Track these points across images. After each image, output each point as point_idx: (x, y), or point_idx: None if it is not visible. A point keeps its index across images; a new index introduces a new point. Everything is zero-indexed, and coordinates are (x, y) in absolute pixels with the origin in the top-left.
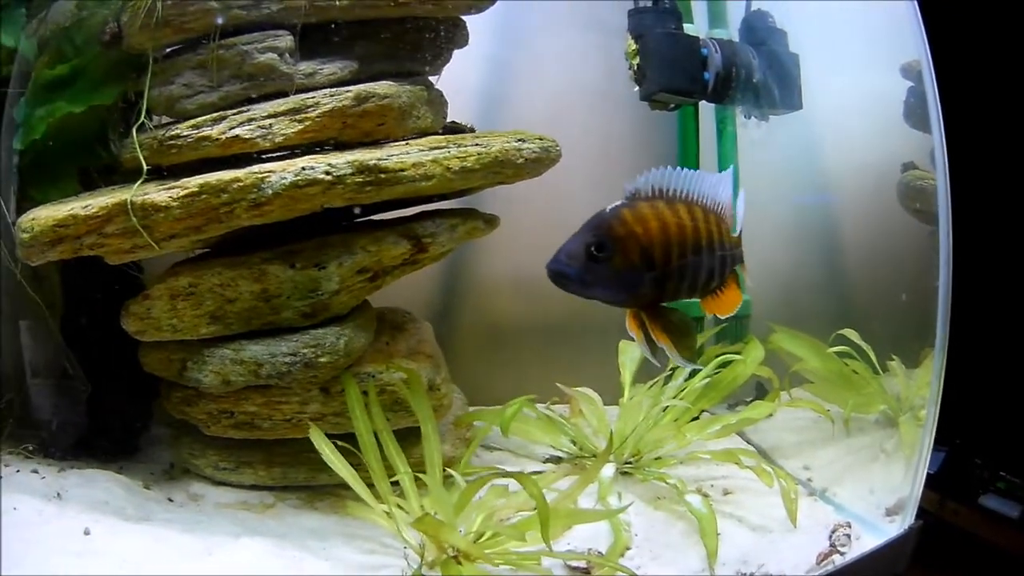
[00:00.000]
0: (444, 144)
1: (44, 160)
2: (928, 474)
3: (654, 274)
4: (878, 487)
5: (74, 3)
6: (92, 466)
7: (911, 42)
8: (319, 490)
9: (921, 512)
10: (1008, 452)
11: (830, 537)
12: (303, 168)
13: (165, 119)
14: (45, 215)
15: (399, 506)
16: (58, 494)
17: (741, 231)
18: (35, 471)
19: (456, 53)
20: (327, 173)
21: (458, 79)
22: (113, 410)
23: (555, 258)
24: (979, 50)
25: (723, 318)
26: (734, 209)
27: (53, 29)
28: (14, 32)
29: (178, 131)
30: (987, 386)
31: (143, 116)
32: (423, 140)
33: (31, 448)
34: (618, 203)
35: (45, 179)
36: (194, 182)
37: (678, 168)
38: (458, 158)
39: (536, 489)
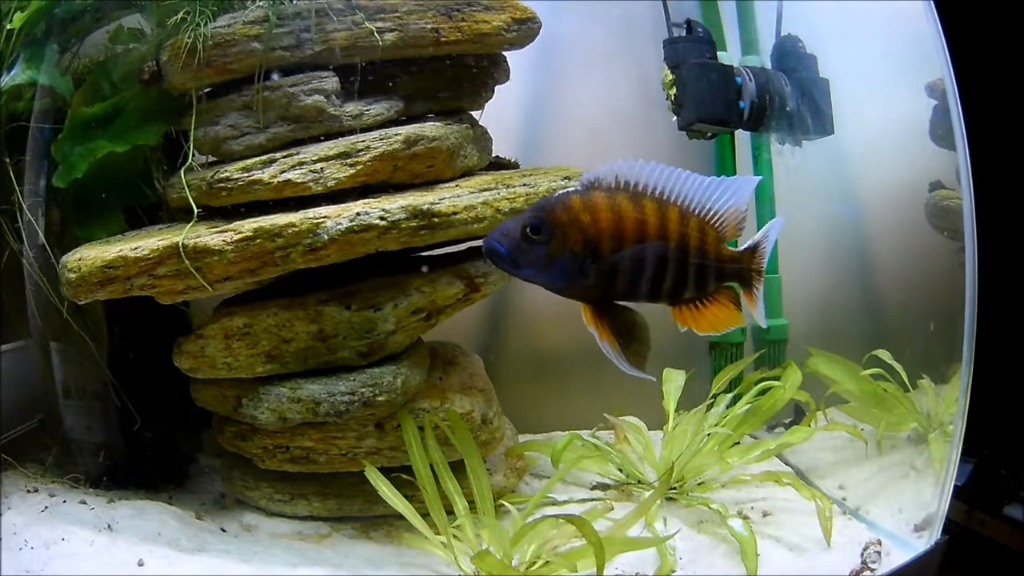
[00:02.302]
0: (493, 185)
1: (87, 198)
2: (957, 486)
3: (600, 267)
4: (908, 504)
5: (107, 37)
6: (141, 496)
7: (935, 60)
8: (373, 520)
9: (950, 524)
10: None
11: (861, 554)
12: (358, 214)
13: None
14: (93, 255)
15: (455, 536)
16: (109, 525)
17: (750, 245)
18: (83, 502)
19: (497, 88)
20: (382, 218)
21: (499, 113)
22: (162, 440)
23: (491, 234)
24: (1004, 68)
25: (701, 334)
26: (749, 225)
27: (87, 64)
28: (47, 68)
29: (228, 174)
30: (1014, 397)
31: (191, 158)
32: (472, 181)
33: (79, 479)
34: (572, 189)
35: (89, 217)
36: (248, 226)
37: (654, 163)
38: (507, 199)
39: (592, 531)
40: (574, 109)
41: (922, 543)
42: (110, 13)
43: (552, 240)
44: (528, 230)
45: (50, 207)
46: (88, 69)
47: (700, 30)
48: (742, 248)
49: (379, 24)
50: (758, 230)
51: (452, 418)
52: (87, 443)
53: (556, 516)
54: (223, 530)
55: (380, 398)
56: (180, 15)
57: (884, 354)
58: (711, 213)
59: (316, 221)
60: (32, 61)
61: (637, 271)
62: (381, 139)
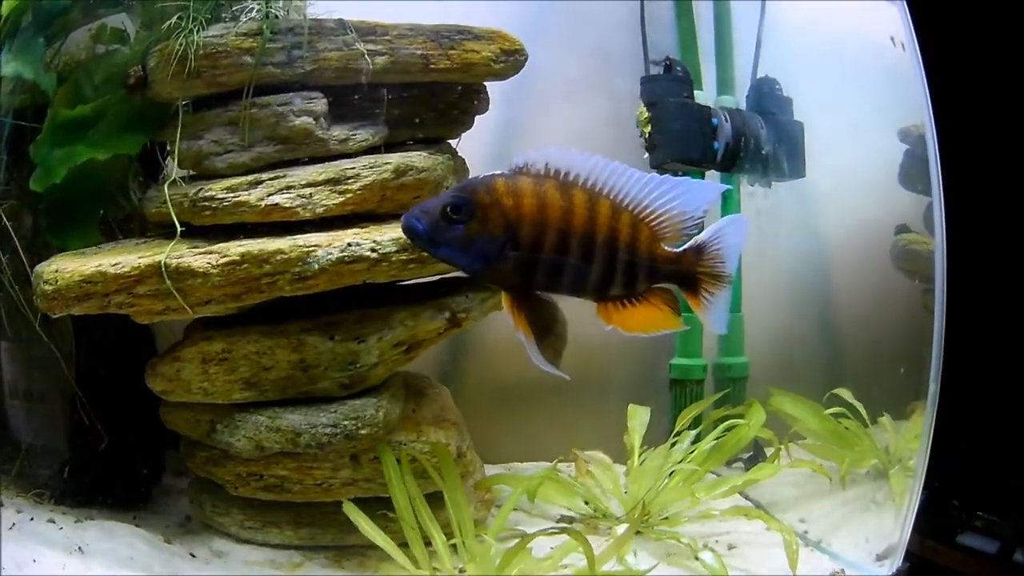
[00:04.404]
0: None
1: (63, 205)
2: None
3: (519, 254)
4: (869, 535)
5: (89, 36)
6: (107, 516)
7: (913, 106)
8: (345, 550)
9: (906, 553)
10: (984, 494)
11: None
12: (349, 244)
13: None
14: (71, 268)
15: (435, 568)
16: (79, 548)
17: (692, 246)
18: (51, 521)
19: None
20: (373, 250)
21: (471, 141)
22: (128, 458)
23: (410, 211)
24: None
25: (628, 334)
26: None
27: (68, 62)
28: (32, 62)
29: (212, 192)
30: (964, 431)
31: (174, 172)
32: None
33: (43, 494)
34: (498, 172)
35: (64, 225)
36: (234, 250)
37: (588, 153)
38: None
39: (586, 544)
40: (545, 140)
41: (884, 571)
42: (98, 10)
43: (472, 221)
44: (448, 209)
45: (21, 210)
46: (69, 67)
47: (679, 69)
48: (682, 249)
49: (370, 47)
50: None
51: (439, 452)
52: (49, 456)
53: (557, 529)
54: (193, 555)
55: (363, 431)
56: (173, 20)
57: (845, 393)
58: (648, 211)
59: (307, 249)
60: (17, 53)
61: (558, 261)
62: (371, 167)
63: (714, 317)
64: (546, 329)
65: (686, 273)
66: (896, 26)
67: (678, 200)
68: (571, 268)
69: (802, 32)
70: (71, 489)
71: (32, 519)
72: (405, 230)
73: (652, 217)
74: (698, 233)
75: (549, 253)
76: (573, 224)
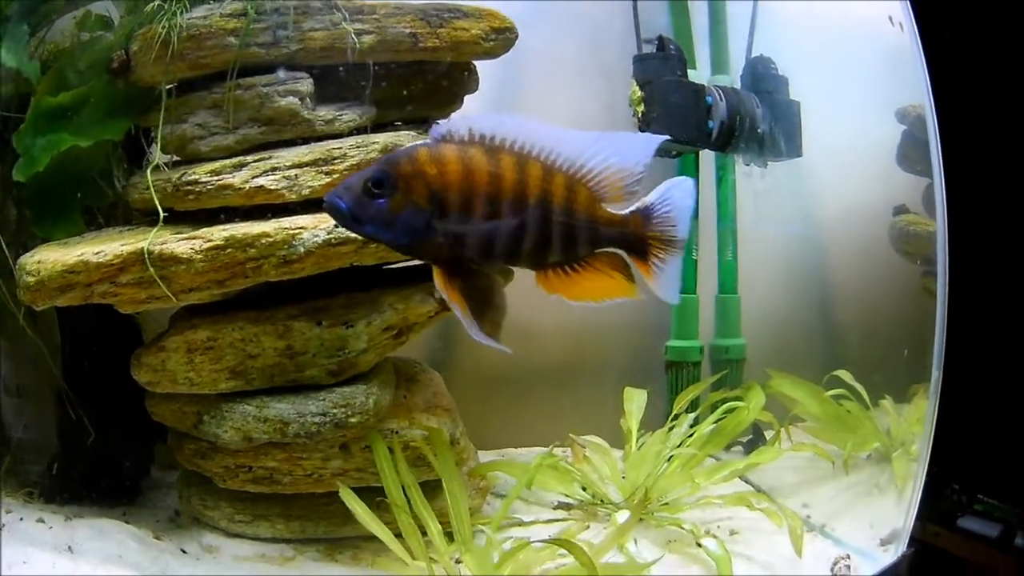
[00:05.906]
0: None
1: (47, 194)
2: None
3: (447, 224)
4: (872, 520)
5: (74, 23)
6: (96, 513)
7: (910, 85)
8: (337, 542)
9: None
10: (984, 477)
11: (832, 569)
12: (336, 226)
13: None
14: (53, 259)
15: (432, 558)
16: (69, 547)
17: (640, 208)
18: (41, 520)
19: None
20: None
21: None
22: (116, 454)
23: (333, 190)
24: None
25: (573, 303)
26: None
27: (52, 50)
28: (16, 50)
29: (196, 176)
30: (963, 417)
31: (157, 157)
32: None
33: (33, 493)
34: (421, 142)
35: (48, 215)
36: (219, 235)
37: (514, 115)
38: None
39: (586, 558)
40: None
41: (888, 556)
42: None
43: (395, 193)
44: (370, 184)
45: (6, 203)
46: (54, 56)
47: (672, 47)
48: (628, 210)
49: (357, 26)
50: (718, 246)
51: (436, 438)
52: (38, 452)
53: (549, 541)
54: (183, 551)
55: (353, 419)
56: (156, 2)
57: (845, 375)
58: (584, 170)
59: (292, 232)
60: (1, 41)
61: (489, 229)
62: (358, 147)
63: (665, 285)
64: (483, 301)
65: (634, 236)
66: (894, 5)
67: (615, 157)
68: (503, 236)
69: (798, 11)
70: (60, 486)
71: (22, 519)
72: (327, 209)
73: (589, 177)
74: (643, 194)
75: (478, 222)
76: (502, 189)
